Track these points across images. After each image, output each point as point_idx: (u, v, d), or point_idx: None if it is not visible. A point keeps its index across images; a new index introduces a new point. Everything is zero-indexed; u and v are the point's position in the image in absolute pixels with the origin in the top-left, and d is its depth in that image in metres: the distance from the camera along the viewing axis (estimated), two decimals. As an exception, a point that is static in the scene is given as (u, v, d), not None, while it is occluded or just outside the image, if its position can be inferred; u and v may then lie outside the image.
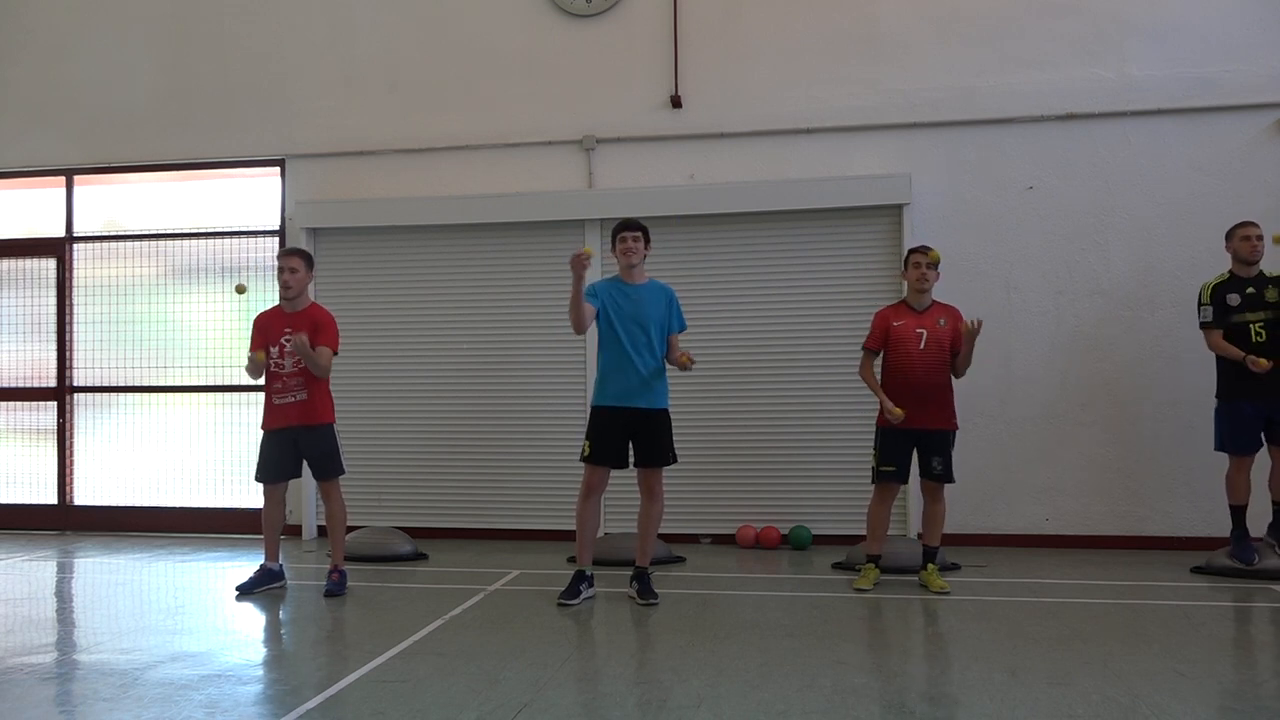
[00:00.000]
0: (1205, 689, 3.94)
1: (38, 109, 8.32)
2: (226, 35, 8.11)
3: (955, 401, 5.82)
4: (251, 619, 5.33)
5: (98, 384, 8.30)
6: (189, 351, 8.13)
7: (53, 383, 8.34)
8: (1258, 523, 6.11)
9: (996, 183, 7.17)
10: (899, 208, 7.10)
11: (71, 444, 8.34)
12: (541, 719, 3.63)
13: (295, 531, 7.65)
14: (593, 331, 5.62)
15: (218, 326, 8.06)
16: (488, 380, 7.66)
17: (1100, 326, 7.03)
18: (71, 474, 8.32)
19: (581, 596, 5.48)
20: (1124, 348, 7.00)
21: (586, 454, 5.49)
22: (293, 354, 5.71)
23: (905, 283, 5.89)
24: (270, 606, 5.54)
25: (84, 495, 8.30)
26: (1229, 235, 6.11)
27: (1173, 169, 6.99)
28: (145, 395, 8.26)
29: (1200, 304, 6.07)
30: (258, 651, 4.83)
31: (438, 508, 7.68)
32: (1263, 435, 5.95)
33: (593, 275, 7.22)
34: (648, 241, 5.60)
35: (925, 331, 5.68)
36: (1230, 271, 6.06)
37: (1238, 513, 6.04)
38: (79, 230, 8.34)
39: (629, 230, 5.54)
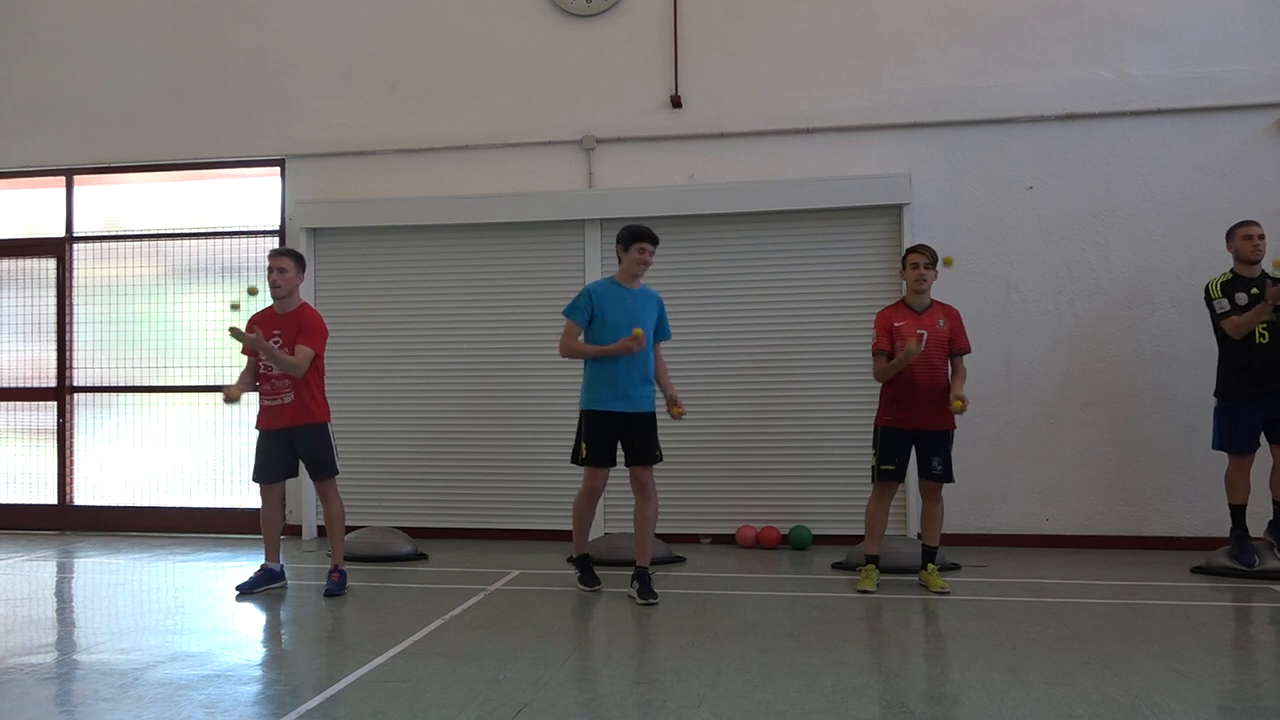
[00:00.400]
0: (1205, 689, 3.94)
1: (38, 109, 8.32)
2: (226, 35, 8.11)
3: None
4: (251, 619, 5.33)
5: (98, 384, 8.30)
6: (189, 351, 8.12)
7: (53, 383, 8.34)
8: (1258, 522, 6.11)
9: (996, 183, 7.17)
10: (899, 208, 7.11)
11: (71, 444, 8.34)
12: (541, 719, 3.63)
13: (295, 531, 7.65)
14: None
15: (218, 326, 8.04)
16: (488, 380, 7.66)
17: (1100, 326, 7.04)
18: (71, 474, 8.32)
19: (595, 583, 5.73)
20: (1124, 348, 7.00)
21: (584, 457, 5.56)
22: None
23: (904, 283, 5.88)
24: (270, 606, 5.54)
25: (84, 495, 8.31)
26: (1230, 235, 6.10)
27: (1173, 169, 6.99)
28: (145, 395, 8.26)
29: (1212, 298, 6.03)
30: (257, 651, 4.83)
31: (438, 508, 7.68)
32: (1263, 434, 5.95)
33: (591, 275, 7.29)
34: None
35: (925, 333, 5.68)
36: (1233, 271, 6.05)
37: (1238, 512, 6.03)
38: (79, 230, 8.34)
39: (652, 243, 5.64)
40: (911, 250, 5.81)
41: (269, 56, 8.04)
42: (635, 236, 5.61)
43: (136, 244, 8.27)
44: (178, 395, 8.21)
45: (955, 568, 6.26)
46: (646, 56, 7.58)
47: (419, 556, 6.86)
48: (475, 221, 7.63)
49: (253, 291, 5.82)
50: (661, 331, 5.75)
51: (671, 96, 7.51)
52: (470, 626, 4.99)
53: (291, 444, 5.81)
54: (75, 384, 8.32)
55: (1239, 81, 6.93)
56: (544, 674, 4.16)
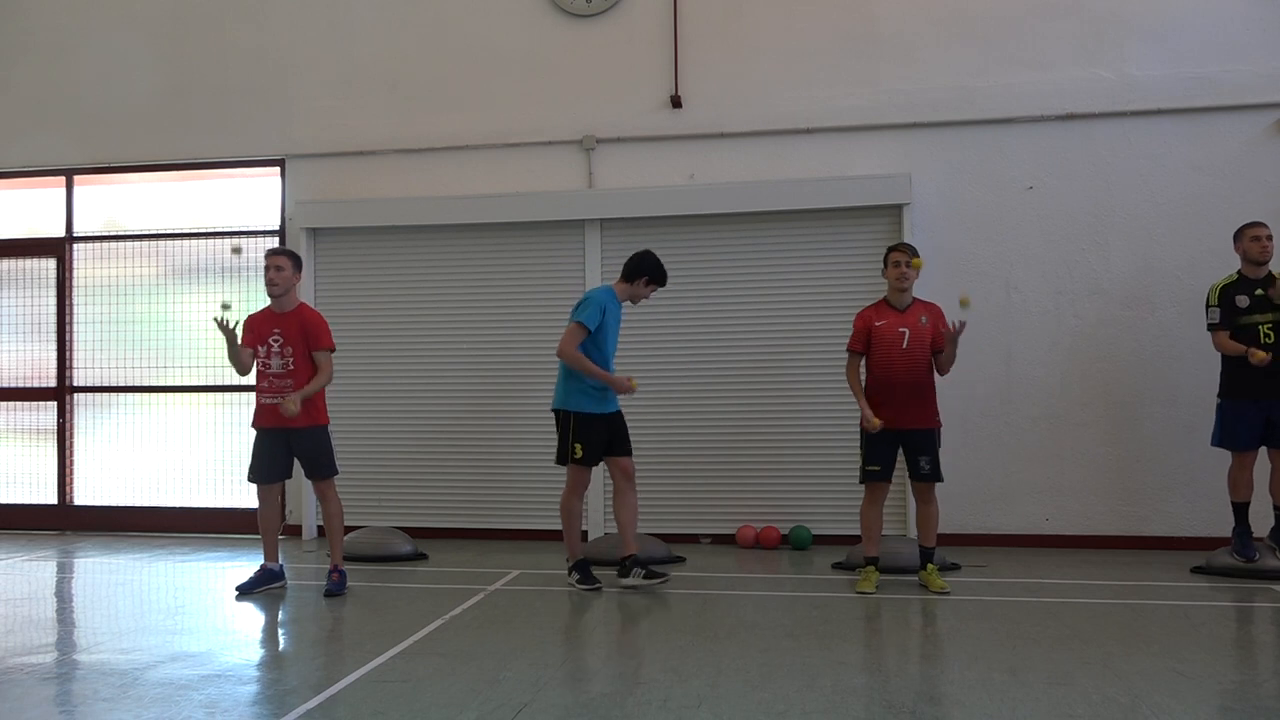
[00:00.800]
0: (1205, 689, 3.94)
1: (38, 109, 8.32)
2: (226, 35, 8.11)
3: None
4: (251, 619, 5.33)
5: (98, 384, 8.30)
6: (189, 351, 8.12)
7: (53, 383, 8.34)
8: (1257, 522, 6.10)
9: (996, 183, 7.17)
10: (899, 208, 7.10)
11: (71, 444, 8.34)
12: (541, 719, 3.63)
13: (295, 532, 7.65)
14: None
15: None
16: (488, 380, 7.66)
17: (1100, 326, 7.03)
18: (71, 474, 8.32)
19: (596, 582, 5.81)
20: (1124, 348, 7.00)
21: (578, 456, 5.79)
22: (281, 354, 5.73)
23: (887, 281, 5.87)
24: (270, 606, 5.53)
25: (84, 495, 8.30)
26: (1237, 236, 6.08)
27: (1173, 169, 6.99)
28: (145, 395, 8.26)
29: (1208, 305, 6.05)
30: (257, 651, 4.83)
31: (438, 508, 7.68)
32: (1263, 438, 5.95)
33: (591, 281, 7.29)
34: None
35: (908, 331, 5.68)
36: (1239, 272, 6.04)
37: (1240, 510, 6.04)
38: (79, 230, 8.34)
39: (662, 286, 6.02)
40: (893, 249, 5.82)
41: (269, 56, 8.04)
42: (658, 279, 5.95)
43: (136, 244, 8.27)
44: (178, 395, 8.21)
45: (955, 568, 6.26)
46: (646, 56, 7.58)
47: (419, 556, 6.86)
48: (475, 221, 7.63)
49: (226, 306, 5.75)
50: None
51: (671, 96, 7.51)
52: (470, 626, 4.98)
53: (288, 444, 5.80)
54: (75, 384, 8.32)
55: (1239, 81, 6.93)
56: (544, 674, 4.16)
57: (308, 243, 7.73)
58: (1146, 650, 4.45)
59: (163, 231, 8.24)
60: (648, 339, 7.29)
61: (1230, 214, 6.49)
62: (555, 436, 5.96)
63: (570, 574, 5.89)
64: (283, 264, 5.80)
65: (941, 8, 7.30)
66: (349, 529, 6.51)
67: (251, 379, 5.93)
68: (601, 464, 5.98)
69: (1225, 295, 5.97)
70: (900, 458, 5.79)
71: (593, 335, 5.77)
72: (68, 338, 8.30)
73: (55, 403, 8.32)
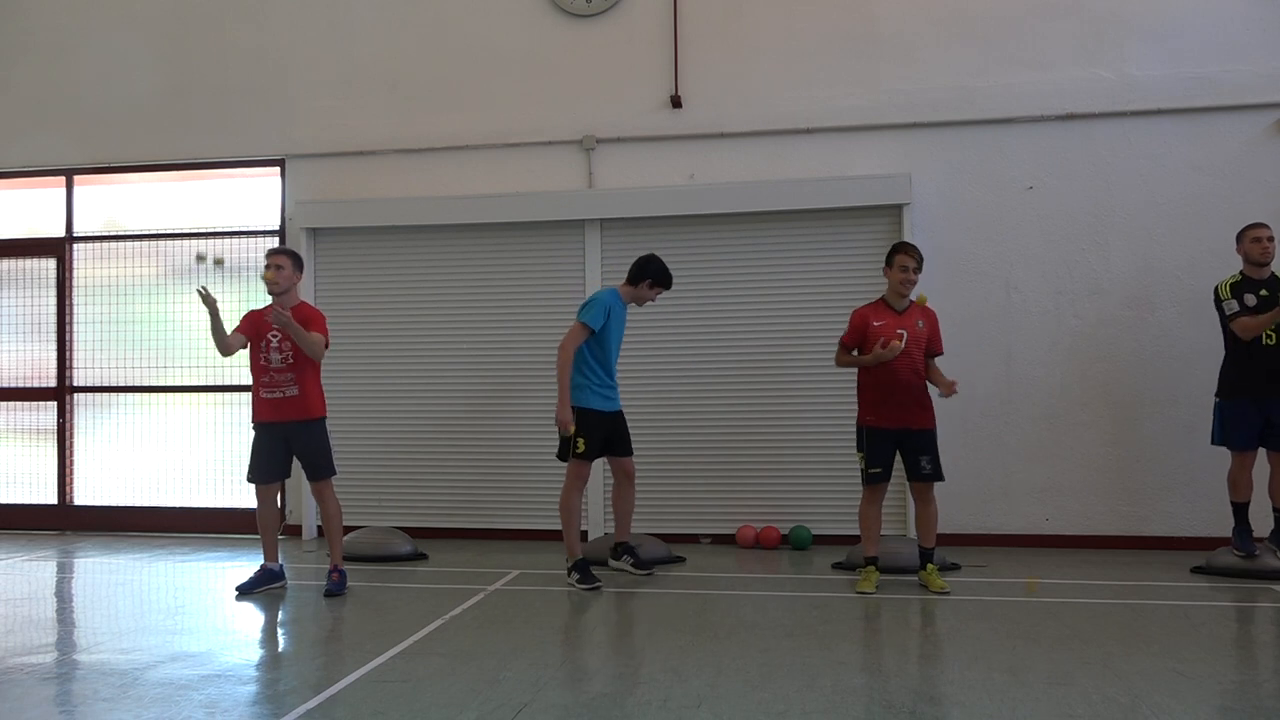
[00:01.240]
0: (1205, 689, 3.94)
1: (38, 109, 8.32)
2: (226, 35, 8.11)
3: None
4: (251, 619, 5.33)
5: (98, 384, 8.30)
6: (189, 351, 8.10)
7: (53, 383, 8.34)
8: (1258, 524, 6.10)
9: (996, 183, 7.17)
10: (899, 208, 7.10)
11: (71, 444, 8.34)
12: (541, 719, 3.63)
13: (295, 532, 7.65)
14: None
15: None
16: (488, 380, 7.66)
17: (1100, 326, 7.03)
18: (71, 474, 8.32)
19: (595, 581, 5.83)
20: (1124, 348, 7.00)
21: (580, 451, 5.88)
22: (280, 349, 5.70)
23: (888, 280, 5.86)
24: (270, 606, 5.54)
25: (84, 495, 8.30)
26: (1239, 237, 6.08)
27: (1173, 169, 6.99)
28: (145, 395, 8.26)
29: (1221, 299, 6.01)
30: (257, 651, 4.83)
31: (438, 508, 7.68)
32: (1262, 438, 5.95)
33: (591, 281, 7.30)
34: None
35: (905, 333, 5.68)
36: (1242, 273, 6.04)
37: (1240, 510, 6.05)
38: (79, 230, 8.34)
39: (667, 290, 6.14)
40: (901, 251, 5.78)
41: (269, 56, 8.04)
42: (662, 282, 6.06)
43: (136, 244, 8.27)
44: (178, 395, 8.21)
45: (955, 568, 6.26)
46: (646, 56, 7.58)
47: (419, 556, 6.86)
48: (475, 221, 7.63)
49: (219, 262, 5.73)
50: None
51: (671, 96, 7.51)
52: (470, 626, 4.99)
53: (287, 441, 5.80)
54: (75, 384, 8.32)
55: (1239, 81, 6.93)
56: (544, 674, 4.16)
57: (308, 243, 7.73)
58: (1146, 650, 4.45)
59: (163, 231, 8.24)
60: (648, 339, 7.29)
61: (1230, 214, 6.49)
62: (556, 434, 5.97)
63: (570, 574, 5.89)
64: (283, 263, 5.80)
65: (941, 8, 7.30)
66: (349, 529, 6.51)
67: (251, 379, 5.92)
68: (603, 462, 6.01)
69: (1237, 290, 5.97)
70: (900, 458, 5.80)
71: (596, 336, 5.87)
72: (68, 338, 8.30)
73: (55, 403, 8.32)
